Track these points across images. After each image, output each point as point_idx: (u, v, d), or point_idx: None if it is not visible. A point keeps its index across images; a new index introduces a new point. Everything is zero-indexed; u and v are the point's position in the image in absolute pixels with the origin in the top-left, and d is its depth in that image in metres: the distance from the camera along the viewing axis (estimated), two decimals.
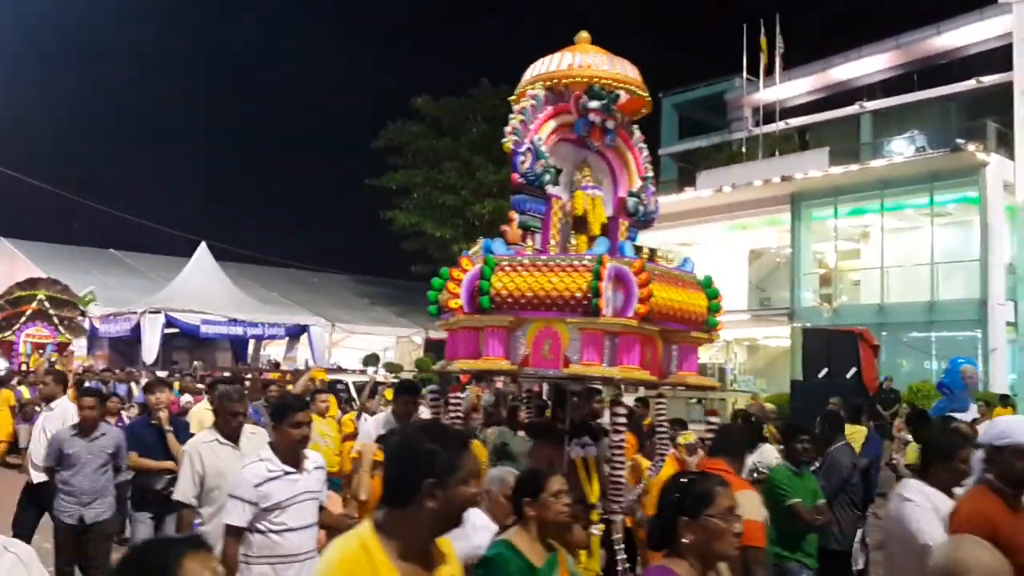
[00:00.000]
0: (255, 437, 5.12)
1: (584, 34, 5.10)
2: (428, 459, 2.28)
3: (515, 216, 4.83)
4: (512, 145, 4.66)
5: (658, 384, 4.74)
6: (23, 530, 7.15)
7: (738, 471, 4.70)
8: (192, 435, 7.53)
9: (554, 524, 3.39)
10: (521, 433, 6.50)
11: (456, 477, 2.30)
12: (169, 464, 6.64)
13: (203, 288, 23.18)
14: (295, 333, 24.44)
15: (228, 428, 5.05)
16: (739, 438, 5.08)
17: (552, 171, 4.80)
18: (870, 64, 28.50)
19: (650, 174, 5.24)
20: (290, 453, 4.30)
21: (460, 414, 5.19)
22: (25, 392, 15.45)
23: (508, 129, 4.70)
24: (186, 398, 11.26)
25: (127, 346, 23.52)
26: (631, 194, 5.11)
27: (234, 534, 4.10)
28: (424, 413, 7.17)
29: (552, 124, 4.87)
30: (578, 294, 4.15)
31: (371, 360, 21.98)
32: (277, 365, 22.58)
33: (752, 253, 25.13)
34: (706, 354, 23.86)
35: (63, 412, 7.60)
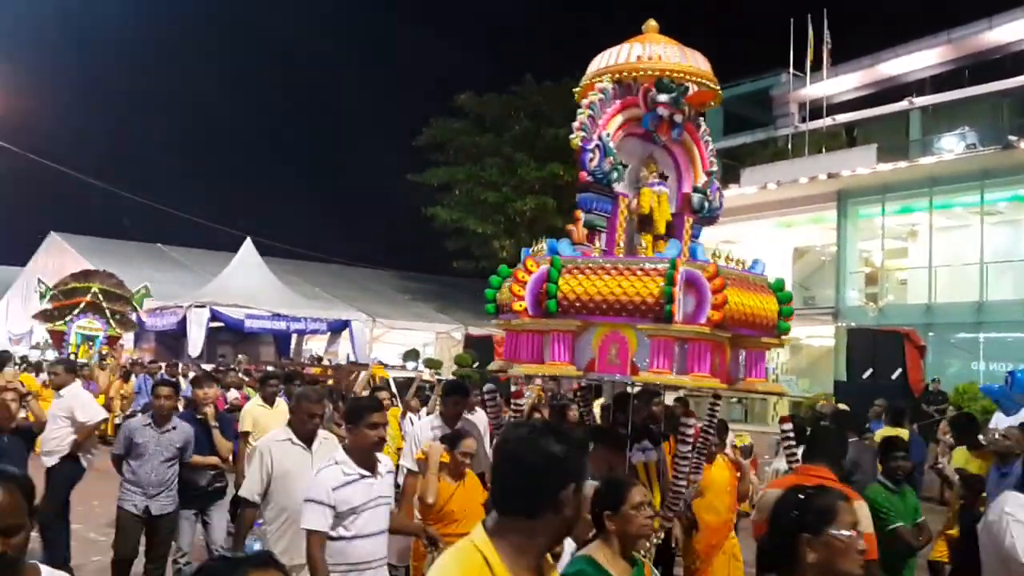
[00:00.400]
0: (327, 442, 4.97)
1: (652, 23, 4.89)
2: (562, 463, 2.09)
3: (581, 215, 4.68)
4: (580, 142, 4.52)
5: (727, 392, 4.56)
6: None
7: (840, 478, 4.43)
8: (246, 433, 7.64)
9: (636, 537, 3.25)
10: None
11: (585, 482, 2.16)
12: (213, 460, 6.67)
13: (247, 283, 23.47)
14: (337, 328, 24.65)
15: (303, 429, 4.88)
16: (837, 443, 4.77)
17: (620, 168, 4.66)
18: (920, 59, 27.94)
19: (715, 168, 5.06)
20: (365, 456, 4.17)
21: (522, 414, 5.10)
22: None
23: (576, 125, 4.56)
24: (232, 394, 11.23)
25: (173, 339, 23.91)
26: (696, 190, 4.94)
27: (318, 538, 3.97)
28: (479, 413, 7.04)
29: (619, 119, 4.71)
30: (649, 299, 4.02)
31: (411, 356, 22.08)
32: (319, 360, 22.79)
33: (796, 251, 24.81)
34: None
35: (72, 398, 7.71)
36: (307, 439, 4.87)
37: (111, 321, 21.54)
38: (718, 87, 4.87)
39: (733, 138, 32.39)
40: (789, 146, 27.54)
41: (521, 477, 2.11)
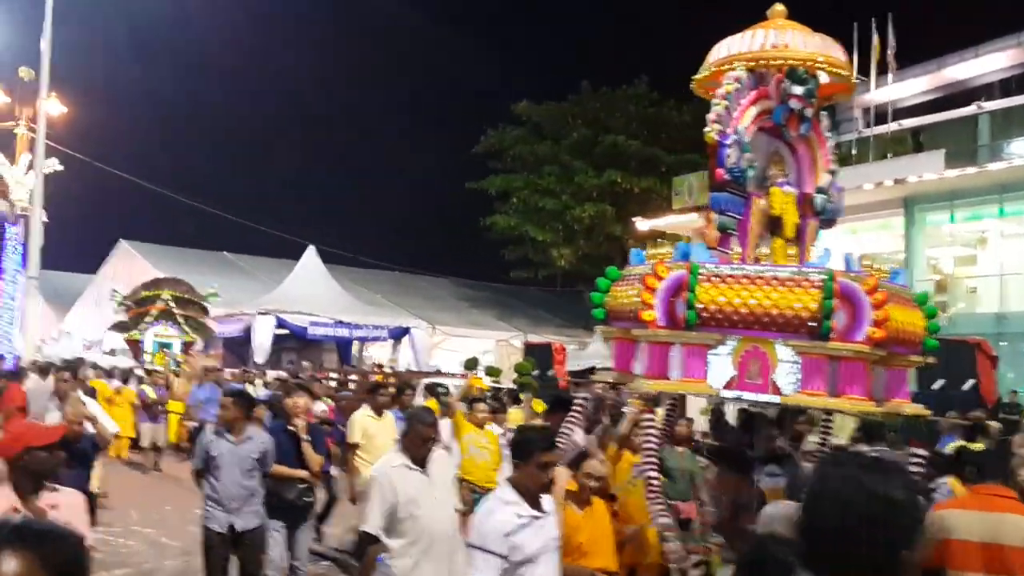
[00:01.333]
0: (442, 462, 4.71)
1: (779, 7, 4.53)
2: (912, 526, 1.67)
3: (714, 217, 4.32)
4: (716, 136, 4.13)
5: (871, 414, 4.16)
6: None
7: (1022, 497, 4.13)
8: (354, 445, 7.77)
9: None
10: (680, 448, 5.85)
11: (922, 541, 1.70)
12: (302, 473, 6.36)
13: (311, 290, 23.88)
14: (398, 335, 24.92)
15: (418, 453, 4.54)
16: (1007, 460, 4.49)
17: (755, 166, 4.31)
18: (989, 63, 27.22)
19: (836, 167, 4.67)
20: (533, 495, 3.67)
21: (654, 437, 4.60)
22: (150, 392, 15.90)
23: (711, 117, 4.17)
24: (320, 407, 10.81)
25: (239, 346, 24.43)
26: (819, 190, 4.53)
27: None
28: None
29: (753, 111, 4.31)
30: (803, 313, 3.66)
31: (471, 363, 22.17)
32: (380, 367, 23.06)
33: (862, 259, 24.31)
34: None
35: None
36: (422, 463, 4.56)
37: (185, 327, 21.82)
38: (852, 77, 4.55)
39: None
40: (853, 152, 27.07)
41: (857, 533, 1.61)
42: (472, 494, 7.01)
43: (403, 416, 7.90)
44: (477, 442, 7.35)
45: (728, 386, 3.93)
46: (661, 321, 3.92)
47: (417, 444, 4.57)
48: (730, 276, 3.83)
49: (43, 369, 13.68)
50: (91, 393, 11.87)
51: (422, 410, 4.86)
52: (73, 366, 12.98)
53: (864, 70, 26.76)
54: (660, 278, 3.94)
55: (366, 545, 4.47)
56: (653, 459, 4.47)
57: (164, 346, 21.61)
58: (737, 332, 3.83)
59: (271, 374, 18.67)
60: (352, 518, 8.63)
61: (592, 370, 26.46)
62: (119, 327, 21.94)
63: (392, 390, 8.92)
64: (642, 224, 23.76)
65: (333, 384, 17.89)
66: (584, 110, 32.33)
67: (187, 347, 21.66)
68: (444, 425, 9.58)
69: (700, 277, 3.84)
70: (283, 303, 22.98)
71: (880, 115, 26.35)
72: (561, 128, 32.20)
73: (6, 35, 26.69)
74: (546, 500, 3.76)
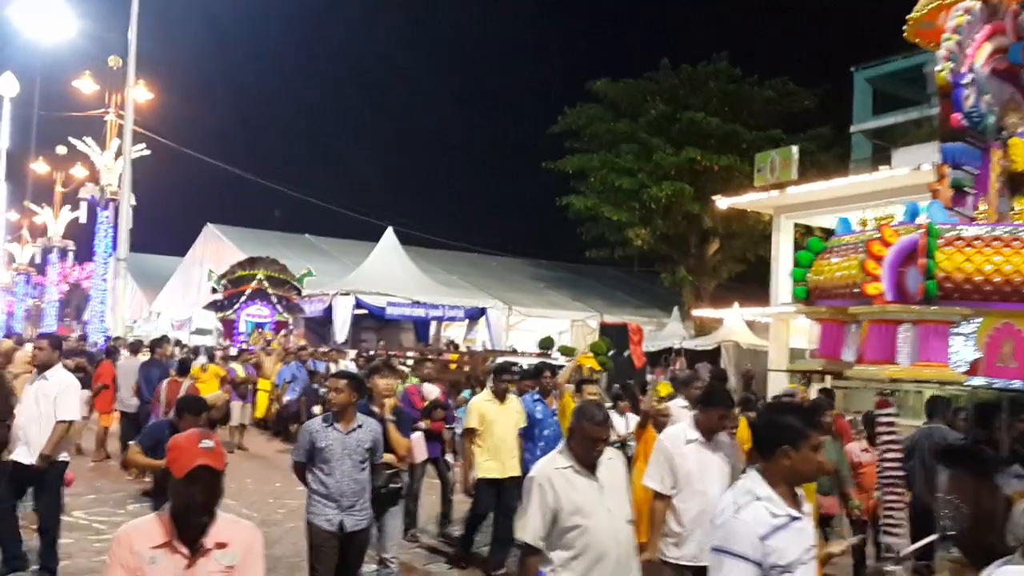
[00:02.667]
0: (615, 466, 4.13)
1: None
2: None
3: (947, 171, 3.80)
4: (949, 76, 3.58)
5: None
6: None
7: None
8: (472, 430, 7.44)
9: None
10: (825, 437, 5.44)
11: None
12: (389, 458, 5.87)
13: (389, 271, 24.15)
14: (474, 315, 25.04)
15: (587, 455, 3.96)
16: None
17: (995, 111, 3.73)
18: None
19: None
20: (791, 488, 3.01)
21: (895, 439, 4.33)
22: (240, 370, 15.81)
23: (942, 54, 3.65)
24: (430, 389, 10.18)
25: (320, 326, 24.90)
26: None
27: None
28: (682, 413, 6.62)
29: (988, 48, 3.74)
30: None
31: (546, 343, 22.10)
32: (456, 346, 23.20)
33: None
34: None
35: (57, 384, 6.72)
36: (591, 466, 3.97)
37: (278, 307, 21.99)
38: None
39: (883, 118, 30.81)
40: None
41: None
42: None
43: (538, 400, 7.65)
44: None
45: (972, 371, 3.35)
46: (890, 295, 3.34)
47: (585, 445, 3.97)
48: (977, 239, 3.25)
49: (133, 348, 14.17)
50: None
51: (591, 406, 4.17)
52: (159, 343, 13.34)
53: None
54: (888, 244, 3.36)
55: (525, 556, 3.99)
56: (896, 468, 4.17)
57: (257, 326, 21.71)
58: (985, 306, 3.25)
59: (350, 353, 18.93)
60: (462, 509, 8.60)
61: (669, 351, 26.16)
62: (214, 306, 22.12)
63: (548, 374, 8.07)
64: (721, 202, 23.26)
65: (409, 364, 17.96)
66: (663, 87, 31.80)
67: (279, 327, 21.75)
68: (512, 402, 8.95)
69: (940, 241, 3.25)
70: (362, 284, 23.29)
71: None
72: (639, 106, 31.73)
73: (96, 26, 27.58)
74: (802, 496, 3.09)
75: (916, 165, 19.41)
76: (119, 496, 10.11)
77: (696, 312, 27.80)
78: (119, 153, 25.18)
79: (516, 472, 7.40)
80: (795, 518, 2.92)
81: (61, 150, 35.58)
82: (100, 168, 27.08)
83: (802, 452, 2.95)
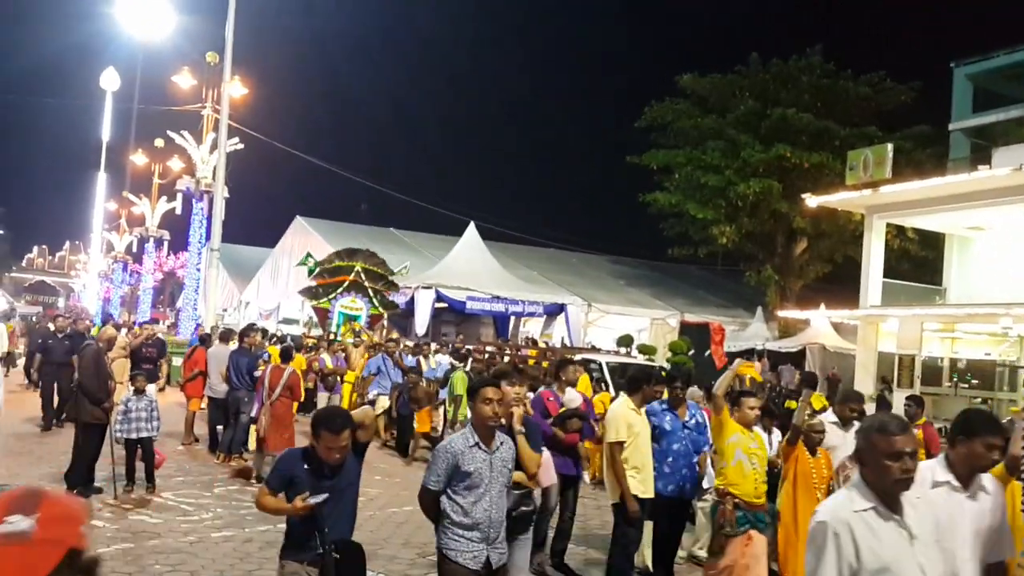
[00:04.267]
0: (925, 506, 3.13)
1: None
2: None
3: None
4: None
5: None
6: None
7: None
8: (620, 443, 6.44)
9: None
10: None
11: None
12: (519, 476, 5.11)
13: (470, 266, 24.29)
14: (553, 311, 25.00)
15: (891, 489, 3.00)
16: None
17: None
18: None
19: None
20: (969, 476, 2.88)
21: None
22: (328, 361, 16.00)
23: None
24: (572, 396, 8.58)
25: (401, 318, 25.23)
26: None
27: None
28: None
29: None
30: None
31: (625, 341, 21.95)
32: (534, 342, 23.22)
33: None
34: (996, 349, 21.54)
35: None
36: (894, 504, 3.02)
37: (373, 300, 21.67)
38: None
39: (984, 115, 29.55)
40: None
41: None
42: (737, 512, 6.03)
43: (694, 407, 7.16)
44: (746, 446, 6.09)
45: None
46: None
47: (882, 473, 3.00)
48: None
49: (224, 336, 14.61)
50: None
51: (888, 420, 3.14)
52: (247, 332, 13.69)
53: None
54: None
55: None
56: None
57: (351, 318, 21.34)
58: None
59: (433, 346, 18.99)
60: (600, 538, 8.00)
61: (752, 352, 25.63)
62: (308, 293, 21.84)
63: (680, 384, 7.29)
64: (811, 201, 22.67)
65: (485, 357, 17.91)
66: (752, 82, 31.19)
67: (373, 320, 21.48)
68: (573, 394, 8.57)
69: None
70: (443, 278, 23.48)
71: None
72: (728, 101, 31.19)
73: (194, 23, 28.48)
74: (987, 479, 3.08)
75: (1017, 165, 18.59)
76: (206, 479, 10.44)
77: (781, 313, 27.20)
78: (214, 147, 25.99)
79: (652, 495, 6.74)
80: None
81: (159, 143, 36.94)
82: (196, 161, 27.99)
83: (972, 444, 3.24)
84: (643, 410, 6.81)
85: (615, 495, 6.62)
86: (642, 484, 6.60)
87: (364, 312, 21.55)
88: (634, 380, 7.03)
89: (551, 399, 8.11)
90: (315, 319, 22.56)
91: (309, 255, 22.64)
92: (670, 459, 6.84)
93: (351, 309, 21.41)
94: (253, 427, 11.67)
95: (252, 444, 11.73)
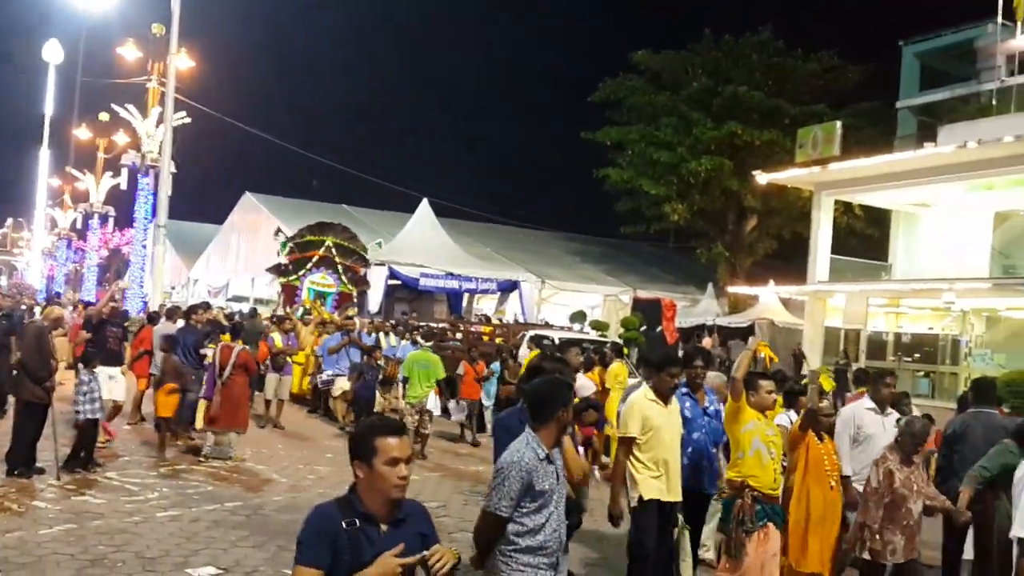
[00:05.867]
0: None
1: None
2: None
3: None
4: None
5: None
6: None
7: None
8: (630, 439, 5.64)
9: None
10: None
11: None
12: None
13: (423, 243, 24.16)
14: (507, 288, 25.02)
15: None
16: None
17: None
18: None
19: None
20: None
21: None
22: (277, 340, 14.87)
23: None
24: (586, 383, 8.03)
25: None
26: None
27: None
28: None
29: None
30: None
31: (578, 317, 22.06)
32: (488, 319, 23.21)
33: (997, 216, 22.84)
34: (939, 324, 22.06)
35: None
36: None
37: (343, 277, 20.70)
38: None
39: (931, 94, 30.10)
40: (993, 102, 25.30)
41: None
42: (756, 506, 5.56)
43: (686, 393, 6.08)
44: (763, 434, 5.60)
45: None
46: None
47: None
48: None
49: (170, 313, 14.33)
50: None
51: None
52: (192, 309, 13.44)
53: (1009, 15, 24.87)
54: None
55: None
56: None
57: (320, 295, 20.41)
58: None
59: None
60: (610, 546, 7.31)
61: (702, 327, 25.89)
62: (277, 270, 20.80)
63: (700, 363, 6.33)
64: (761, 178, 22.91)
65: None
66: (705, 60, 31.34)
67: (343, 298, 20.60)
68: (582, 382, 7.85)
69: None
70: (397, 254, 23.33)
71: None
72: (680, 78, 31.32)
73: None
74: None
75: (962, 142, 18.98)
76: (152, 459, 10.27)
77: (731, 289, 27.54)
78: (160, 121, 25.39)
79: (679, 498, 5.81)
80: None
81: (103, 117, 35.95)
82: (141, 135, 27.33)
83: None
84: (673, 402, 5.86)
85: (632, 496, 5.75)
86: (664, 485, 5.67)
87: (335, 289, 20.65)
88: (648, 362, 6.33)
89: None
90: (280, 297, 21.11)
91: (280, 230, 21.59)
92: (689, 449, 6.04)
93: (321, 286, 20.53)
94: (201, 405, 11.48)
95: (199, 423, 11.55)
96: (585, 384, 7.36)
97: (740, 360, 5.81)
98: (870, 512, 5.63)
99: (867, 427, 6.59)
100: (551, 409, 3.73)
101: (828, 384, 7.90)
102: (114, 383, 10.77)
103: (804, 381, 7.53)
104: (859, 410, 6.83)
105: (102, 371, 10.03)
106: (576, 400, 5.90)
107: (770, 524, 5.55)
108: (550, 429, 3.71)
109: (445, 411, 13.30)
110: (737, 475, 5.63)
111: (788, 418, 6.86)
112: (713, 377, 6.89)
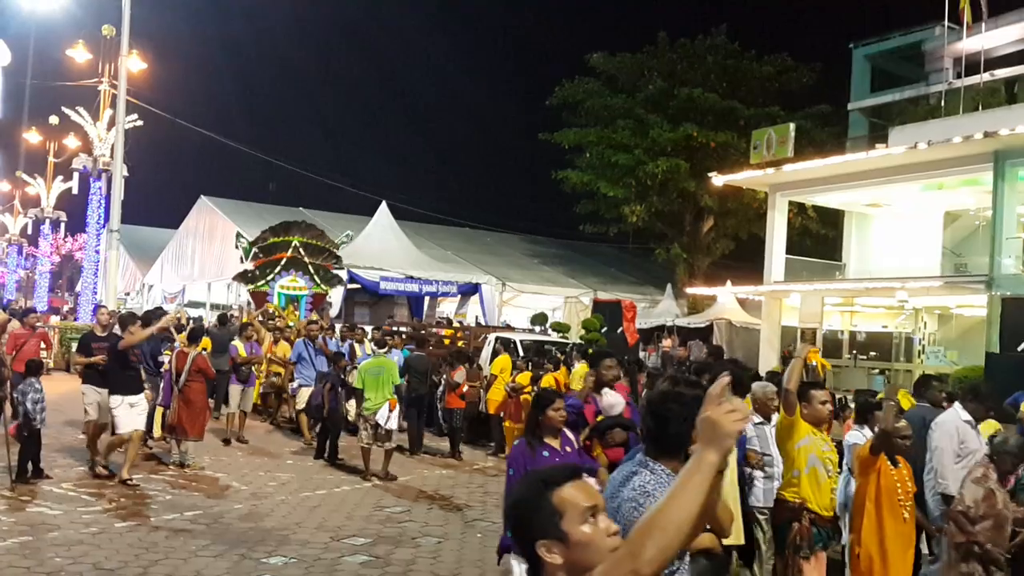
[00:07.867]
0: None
1: None
2: None
3: None
4: None
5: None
6: None
7: None
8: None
9: None
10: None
11: None
12: (708, 540, 3.86)
13: (383, 246, 24.04)
14: (467, 291, 24.98)
15: None
16: None
17: None
18: None
19: None
20: None
21: None
22: (240, 348, 13.52)
23: None
24: (610, 399, 6.55)
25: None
26: None
27: None
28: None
29: None
30: None
31: (539, 319, 22.10)
32: (449, 322, 23.17)
33: (948, 215, 23.39)
34: (892, 322, 22.49)
35: None
36: None
37: (315, 277, 19.47)
38: None
39: (881, 95, 30.71)
40: (942, 104, 25.88)
41: None
42: (813, 529, 5.16)
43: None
44: (819, 450, 5.19)
45: None
46: None
47: None
48: None
49: (123, 321, 14.00)
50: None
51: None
52: (148, 316, 13.21)
53: (956, 18, 25.47)
54: None
55: None
56: None
57: (293, 299, 19.16)
58: None
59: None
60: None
61: (662, 328, 26.11)
62: (244, 278, 19.52)
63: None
64: (717, 179, 23.19)
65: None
66: (660, 62, 31.61)
67: (317, 300, 19.57)
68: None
69: None
70: (355, 258, 23.16)
71: (971, 65, 25.06)
72: (636, 80, 31.57)
73: None
74: None
75: (912, 144, 19.37)
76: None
77: (689, 290, 27.81)
78: (112, 124, 24.95)
79: (740, 540, 5.13)
80: None
81: (54, 120, 35.26)
82: (93, 139, 26.84)
83: None
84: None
85: None
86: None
87: (308, 292, 19.46)
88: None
89: (590, 403, 6.10)
90: (250, 304, 19.70)
91: (240, 235, 20.44)
92: None
93: (292, 289, 19.25)
94: (159, 413, 11.32)
95: (156, 431, 11.39)
96: (613, 401, 6.09)
97: (791, 370, 5.25)
98: (974, 535, 5.08)
99: (970, 442, 6.08)
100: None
101: (907, 402, 7.36)
102: (135, 411, 9.51)
103: (879, 396, 6.94)
104: (959, 422, 6.28)
105: (123, 399, 9.36)
106: (599, 418, 5.69)
107: (824, 550, 5.25)
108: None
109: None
110: (794, 496, 5.24)
111: (862, 435, 5.98)
112: (756, 388, 6.15)
